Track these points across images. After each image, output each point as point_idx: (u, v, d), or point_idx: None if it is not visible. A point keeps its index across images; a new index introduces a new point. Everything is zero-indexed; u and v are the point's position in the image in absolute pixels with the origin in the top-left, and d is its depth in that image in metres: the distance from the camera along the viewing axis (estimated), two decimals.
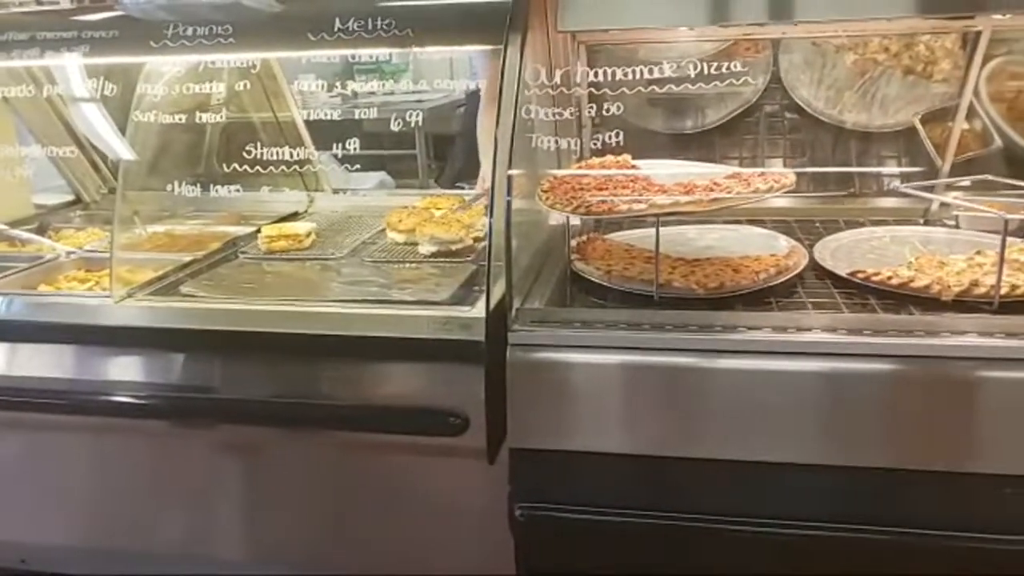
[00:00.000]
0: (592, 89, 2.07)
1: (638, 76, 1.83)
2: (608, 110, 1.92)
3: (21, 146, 2.49)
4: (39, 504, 2.09)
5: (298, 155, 2.20)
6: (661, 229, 1.73)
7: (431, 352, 1.74)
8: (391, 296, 1.94)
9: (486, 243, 1.67)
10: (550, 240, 2.07)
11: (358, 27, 1.89)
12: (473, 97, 3.75)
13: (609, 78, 1.83)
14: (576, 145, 2.07)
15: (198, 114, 2.17)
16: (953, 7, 1.89)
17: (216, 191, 2.18)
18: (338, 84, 2.33)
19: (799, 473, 1.56)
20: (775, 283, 1.76)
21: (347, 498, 1.91)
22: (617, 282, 1.80)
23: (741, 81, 2.17)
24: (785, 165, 2.44)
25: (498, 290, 1.65)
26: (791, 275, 1.79)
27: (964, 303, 1.61)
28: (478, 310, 1.75)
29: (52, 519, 2.09)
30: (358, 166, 2.19)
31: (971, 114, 2.26)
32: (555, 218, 2.02)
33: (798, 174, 1.78)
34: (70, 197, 2.93)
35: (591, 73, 1.86)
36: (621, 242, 2.05)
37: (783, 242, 2.00)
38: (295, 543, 1.96)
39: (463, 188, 3.34)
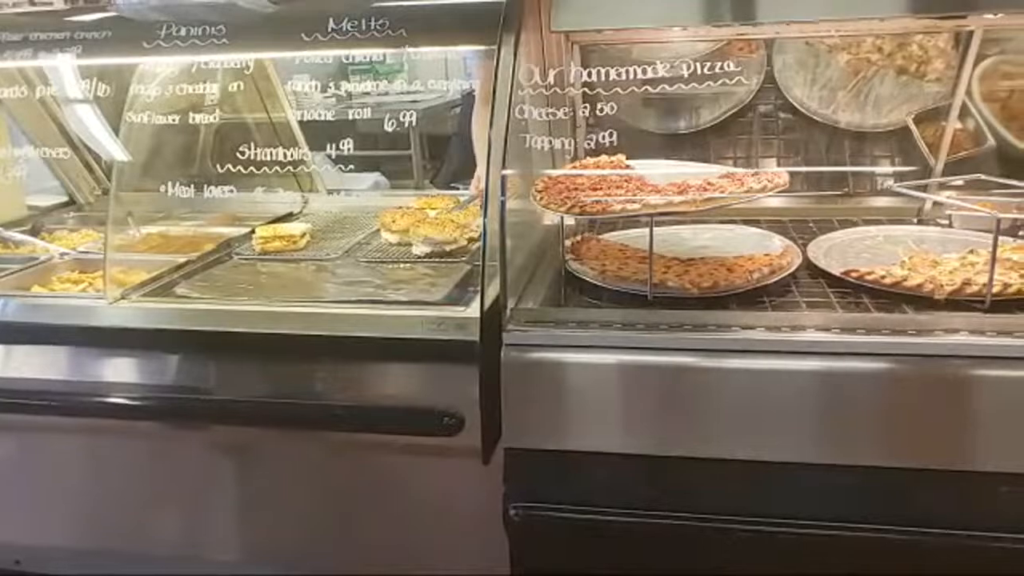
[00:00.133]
0: (586, 89, 2.07)
1: (632, 76, 1.83)
2: (602, 110, 1.92)
3: (14, 147, 2.48)
4: (34, 505, 2.08)
5: (292, 156, 2.19)
6: (656, 229, 1.73)
7: (426, 352, 1.74)
8: (386, 297, 1.94)
9: (480, 243, 1.67)
10: (544, 240, 2.07)
11: (352, 27, 1.89)
12: (468, 98, 3.76)
13: (603, 78, 1.83)
14: (570, 145, 2.07)
15: (192, 115, 2.17)
16: (945, 7, 1.89)
17: (210, 192, 2.17)
18: (332, 85, 2.33)
19: (795, 472, 1.56)
20: (769, 282, 1.76)
21: (342, 499, 1.91)
22: (611, 282, 1.80)
23: (735, 81, 2.18)
24: (779, 165, 2.45)
25: (492, 290, 1.66)
26: (785, 274, 1.80)
27: (957, 302, 1.62)
28: (473, 310, 1.75)
29: (47, 520, 2.08)
30: (352, 167, 2.19)
31: (964, 113, 2.26)
32: (549, 218, 2.02)
33: (792, 174, 1.79)
34: (64, 198, 2.93)
35: (585, 73, 1.86)
36: (615, 242, 2.06)
37: (777, 241, 2.00)
38: (290, 544, 1.96)
39: (458, 188, 3.34)
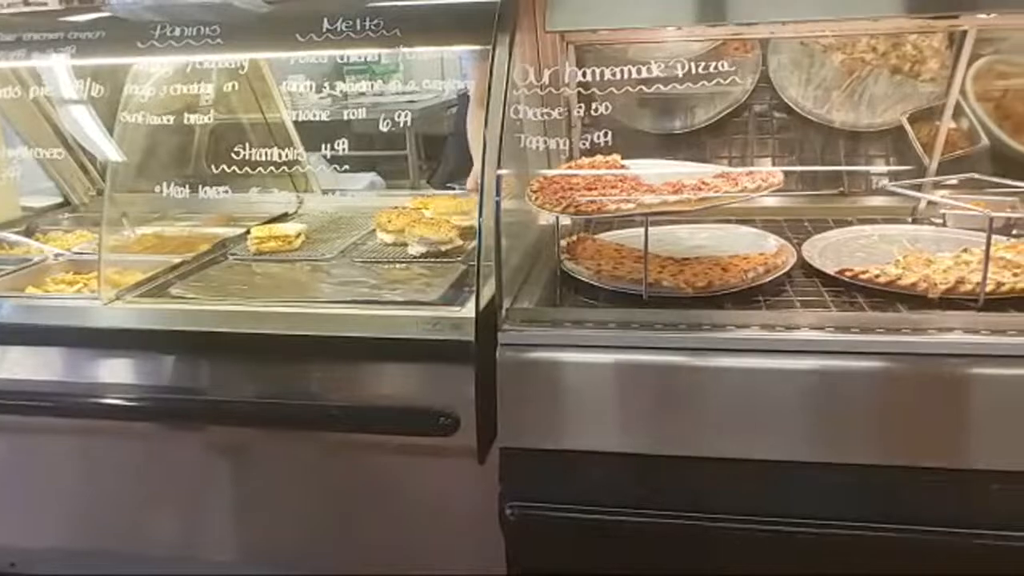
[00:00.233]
0: (581, 89, 2.08)
1: (627, 76, 1.84)
2: (597, 110, 1.92)
3: (8, 148, 2.48)
4: (29, 508, 2.08)
5: (287, 156, 2.19)
6: (651, 229, 1.73)
7: (421, 352, 1.74)
8: (381, 297, 1.94)
9: (476, 243, 1.67)
10: (540, 240, 2.07)
11: (346, 27, 1.88)
12: (464, 98, 3.74)
13: (598, 78, 1.83)
14: (565, 145, 2.07)
15: (186, 115, 2.17)
16: (937, 7, 1.90)
17: (205, 192, 2.17)
18: (327, 85, 2.33)
19: (790, 470, 1.56)
20: (763, 282, 1.77)
21: (338, 499, 1.91)
22: (607, 281, 1.81)
23: (729, 81, 2.18)
24: (774, 164, 2.45)
25: (488, 290, 1.66)
26: (779, 274, 1.80)
27: (950, 300, 1.62)
28: (468, 310, 1.75)
29: (42, 522, 2.08)
30: (347, 167, 2.18)
31: (958, 113, 2.27)
32: (545, 218, 2.03)
33: (787, 173, 1.79)
34: (58, 199, 2.92)
35: (580, 73, 1.86)
36: (611, 242, 2.06)
37: (772, 241, 2.00)
38: (286, 544, 1.96)
39: (454, 189, 3.33)
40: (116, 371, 1.93)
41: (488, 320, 1.64)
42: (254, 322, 1.85)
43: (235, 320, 1.86)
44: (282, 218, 2.62)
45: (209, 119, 2.20)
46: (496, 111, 1.66)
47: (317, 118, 2.27)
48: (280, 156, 2.18)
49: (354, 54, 2.07)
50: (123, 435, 1.95)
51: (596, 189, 1.80)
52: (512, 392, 1.64)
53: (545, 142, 1.91)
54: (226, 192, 2.18)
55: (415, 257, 2.19)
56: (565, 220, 1.98)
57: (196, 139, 2.70)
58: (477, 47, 2.02)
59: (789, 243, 1.98)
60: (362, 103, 2.42)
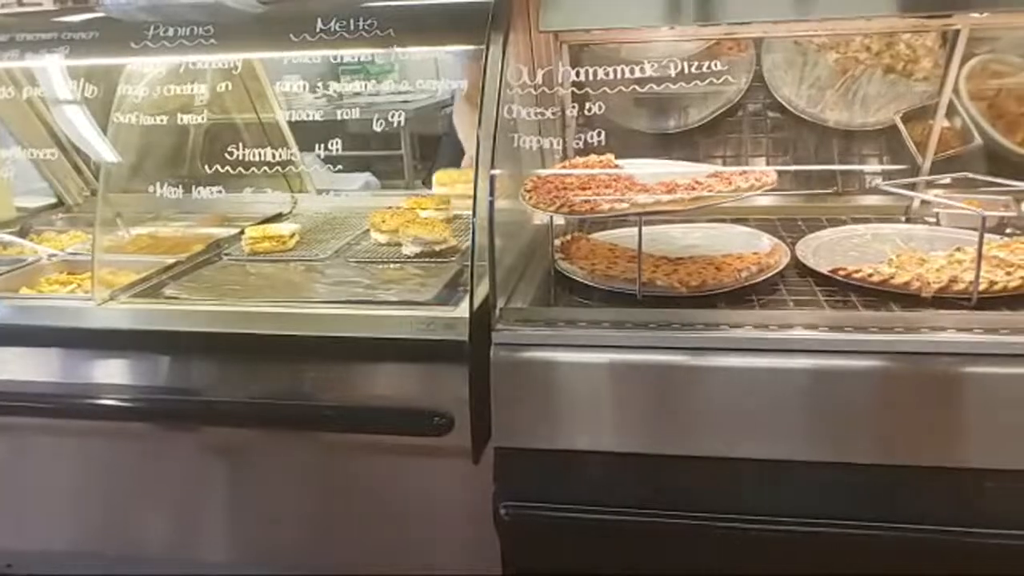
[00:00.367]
0: (575, 89, 2.08)
1: (621, 75, 1.84)
2: (591, 110, 1.92)
3: (1, 148, 2.47)
4: (24, 509, 2.07)
5: (281, 156, 2.19)
6: (645, 228, 1.73)
7: (415, 352, 1.74)
8: (375, 297, 1.94)
9: (470, 243, 1.67)
10: (534, 240, 2.07)
11: (340, 27, 1.88)
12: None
13: (592, 78, 1.83)
14: (559, 145, 2.07)
15: (180, 115, 2.16)
16: (930, 6, 1.90)
17: (199, 193, 2.16)
18: (322, 85, 2.32)
19: (785, 470, 1.57)
20: (757, 281, 1.77)
21: (332, 499, 1.91)
22: (600, 281, 1.81)
23: (723, 80, 2.19)
24: (768, 164, 2.46)
25: (482, 290, 1.66)
26: (773, 273, 1.80)
27: (943, 299, 1.63)
28: (462, 310, 1.75)
29: (38, 524, 2.07)
30: (342, 167, 2.18)
31: (951, 112, 2.27)
32: (539, 218, 2.03)
33: (780, 172, 1.79)
34: (52, 200, 2.91)
35: (574, 73, 1.86)
36: (605, 241, 2.06)
37: (765, 240, 2.01)
38: (281, 544, 1.96)
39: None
40: (110, 372, 1.92)
41: (482, 320, 1.64)
42: (248, 322, 1.84)
43: (229, 320, 1.86)
44: (276, 218, 2.61)
45: (203, 119, 2.19)
46: (489, 111, 1.66)
47: (311, 118, 2.26)
48: (274, 156, 2.17)
49: (348, 54, 2.07)
50: (118, 436, 1.94)
51: (590, 189, 1.80)
52: (506, 392, 1.64)
53: (539, 142, 1.91)
54: (220, 192, 2.17)
55: (409, 257, 2.19)
56: (559, 220, 1.98)
57: (190, 139, 2.69)
58: (471, 47, 2.01)
59: (783, 242, 1.98)
60: (357, 103, 2.42)
